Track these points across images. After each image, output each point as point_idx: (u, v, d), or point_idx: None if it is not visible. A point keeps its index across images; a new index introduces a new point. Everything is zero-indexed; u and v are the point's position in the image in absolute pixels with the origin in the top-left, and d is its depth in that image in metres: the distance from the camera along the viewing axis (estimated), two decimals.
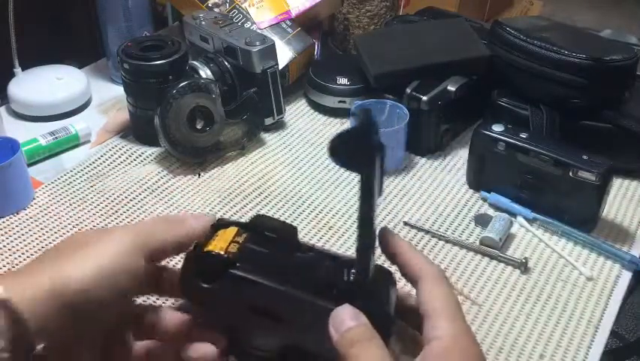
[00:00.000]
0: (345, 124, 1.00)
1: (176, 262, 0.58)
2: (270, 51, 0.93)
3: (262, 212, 0.83)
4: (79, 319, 0.38)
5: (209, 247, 0.45)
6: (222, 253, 0.45)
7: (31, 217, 0.81)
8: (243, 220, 0.48)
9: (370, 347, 0.39)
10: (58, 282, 0.38)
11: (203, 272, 0.45)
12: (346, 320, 0.40)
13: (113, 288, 0.39)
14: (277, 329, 0.44)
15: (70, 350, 0.41)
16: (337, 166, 0.92)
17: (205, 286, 0.45)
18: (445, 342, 0.40)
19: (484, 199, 0.85)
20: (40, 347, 0.39)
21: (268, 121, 0.97)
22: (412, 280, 0.44)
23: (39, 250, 0.77)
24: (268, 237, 0.46)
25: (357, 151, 0.39)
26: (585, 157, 0.76)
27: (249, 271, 0.44)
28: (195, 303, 0.46)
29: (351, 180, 0.89)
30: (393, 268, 0.46)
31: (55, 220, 0.81)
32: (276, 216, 0.83)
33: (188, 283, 0.46)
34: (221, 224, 0.48)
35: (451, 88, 0.91)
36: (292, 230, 0.47)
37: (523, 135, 0.80)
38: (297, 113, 1.04)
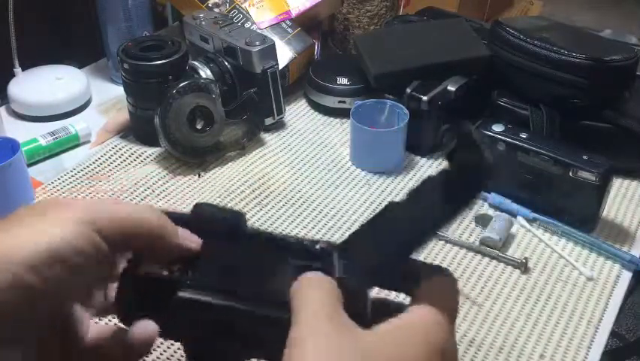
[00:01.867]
0: (345, 124, 1.00)
1: None
2: (270, 51, 0.93)
3: (262, 212, 0.83)
4: (26, 297, 0.33)
5: (148, 267, 0.39)
6: (164, 272, 0.39)
7: None
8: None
9: (316, 289, 0.36)
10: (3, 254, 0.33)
11: (146, 300, 0.39)
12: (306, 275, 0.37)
13: (60, 260, 0.34)
14: (240, 346, 0.39)
15: (21, 331, 0.35)
16: (338, 166, 0.93)
17: (149, 315, 0.39)
18: (413, 316, 0.36)
19: (484, 199, 0.85)
20: None
21: (268, 121, 0.97)
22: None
23: None
24: (212, 233, 0.40)
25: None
26: (585, 157, 0.76)
27: (200, 290, 0.38)
28: None
29: (350, 181, 0.89)
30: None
31: None
32: (276, 217, 0.83)
33: (127, 311, 0.39)
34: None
35: (451, 88, 0.91)
36: (239, 215, 0.41)
37: (523, 135, 0.80)
38: (297, 113, 1.04)
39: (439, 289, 0.37)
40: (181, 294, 0.38)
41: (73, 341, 0.40)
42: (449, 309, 0.37)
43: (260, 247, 0.41)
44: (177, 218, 0.41)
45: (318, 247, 0.40)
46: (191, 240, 0.40)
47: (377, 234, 0.38)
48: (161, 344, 0.65)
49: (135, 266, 0.40)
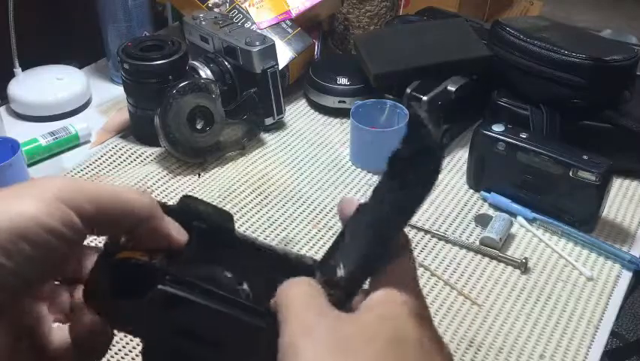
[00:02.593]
0: (345, 124, 1.00)
1: None
2: (270, 51, 0.93)
3: (262, 212, 0.83)
4: None
5: (127, 253, 0.36)
6: (146, 259, 0.36)
7: None
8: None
9: (302, 285, 0.34)
10: None
11: (120, 285, 0.36)
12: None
13: (26, 238, 0.32)
14: (209, 355, 0.36)
15: None
16: (338, 166, 0.93)
17: (123, 303, 0.35)
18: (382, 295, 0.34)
19: (484, 199, 0.85)
20: None
21: (268, 121, 0.97)
22: None
23: None
24: (198, 229, 0.38)
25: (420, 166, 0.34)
26: (585, 157, 0.76)
27: (181, 286, 0.35)
28: (105, 318, 0.37)
29: (351, 181, 0.89)
30: None
31: None
32: (276, 217, 0.83)
33: (98, 297, 0.36)
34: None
35: (451, 88, 0.91)
36: (227, 217, 0.39)
37: (523, 135, 0.80)
38: (297, 113, 1.04)
39: (399, 269, 0.36)
40: (160, 286, 0.35)
41: (42, 341, 0.38)
42: (408, 283, 0.35)
43: (244, 253, 0.39)
44: (162, 207, 0.38)
45: (303, 261, 0.39)
46: (178, 232, 0.38)
47: (352, 240, 0.37)
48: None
49: (111, 252, 0.37)
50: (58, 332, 0.39)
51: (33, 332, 0.38)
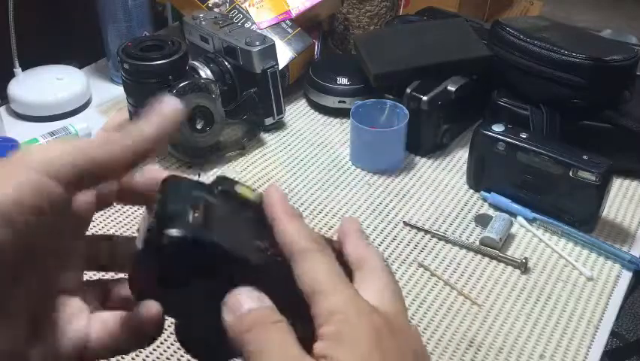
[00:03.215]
0: (345, 124, 1.00)
1: None
2: (270, 51, 0.93)
3: None
4: None
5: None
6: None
7: None
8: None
9: (273, 331, 0.32)
10: None
11: (167, 270, 0.35)
12: (245, 301, 0.33)
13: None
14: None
15: None
16: (338, 166, 0.93)
17: (174, 291, 0.35)
18: (342, 315, 0.32)
19: (484, 199, 0.85)
20: None
21: (268, 121, 0.97)
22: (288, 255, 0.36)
23: None
24: (236, 208, 0.39)
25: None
26: (585, 157, 0.76)
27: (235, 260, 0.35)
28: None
29: (351, 181, 0.90)
30: None
31: None
32: None
33: (145, 285, 0.36)
34: (174, 183, 0.38)
35: (451, 88, 0.91)
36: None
37: (523, 135, 0.80)
38: (297, 113, 1.04)
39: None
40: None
41: (80, 334, 0.37)
42: (330, 288, 0.33)
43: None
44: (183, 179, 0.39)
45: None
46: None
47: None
48: (161, 344, 0.65)
49: (154, 235, 0.35)
50: (96, 322, 0.38)
51: (65, 325, 0.37)
